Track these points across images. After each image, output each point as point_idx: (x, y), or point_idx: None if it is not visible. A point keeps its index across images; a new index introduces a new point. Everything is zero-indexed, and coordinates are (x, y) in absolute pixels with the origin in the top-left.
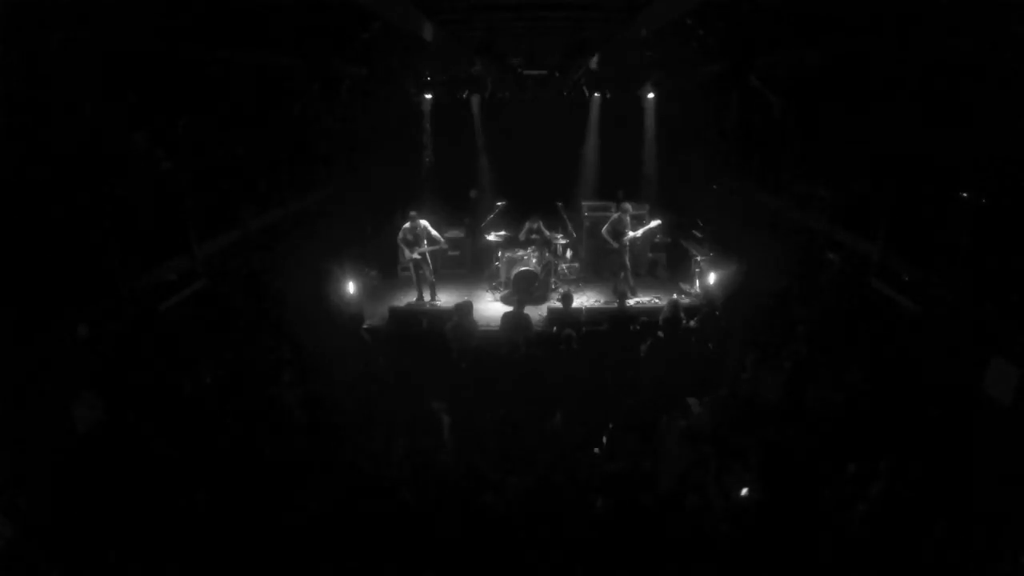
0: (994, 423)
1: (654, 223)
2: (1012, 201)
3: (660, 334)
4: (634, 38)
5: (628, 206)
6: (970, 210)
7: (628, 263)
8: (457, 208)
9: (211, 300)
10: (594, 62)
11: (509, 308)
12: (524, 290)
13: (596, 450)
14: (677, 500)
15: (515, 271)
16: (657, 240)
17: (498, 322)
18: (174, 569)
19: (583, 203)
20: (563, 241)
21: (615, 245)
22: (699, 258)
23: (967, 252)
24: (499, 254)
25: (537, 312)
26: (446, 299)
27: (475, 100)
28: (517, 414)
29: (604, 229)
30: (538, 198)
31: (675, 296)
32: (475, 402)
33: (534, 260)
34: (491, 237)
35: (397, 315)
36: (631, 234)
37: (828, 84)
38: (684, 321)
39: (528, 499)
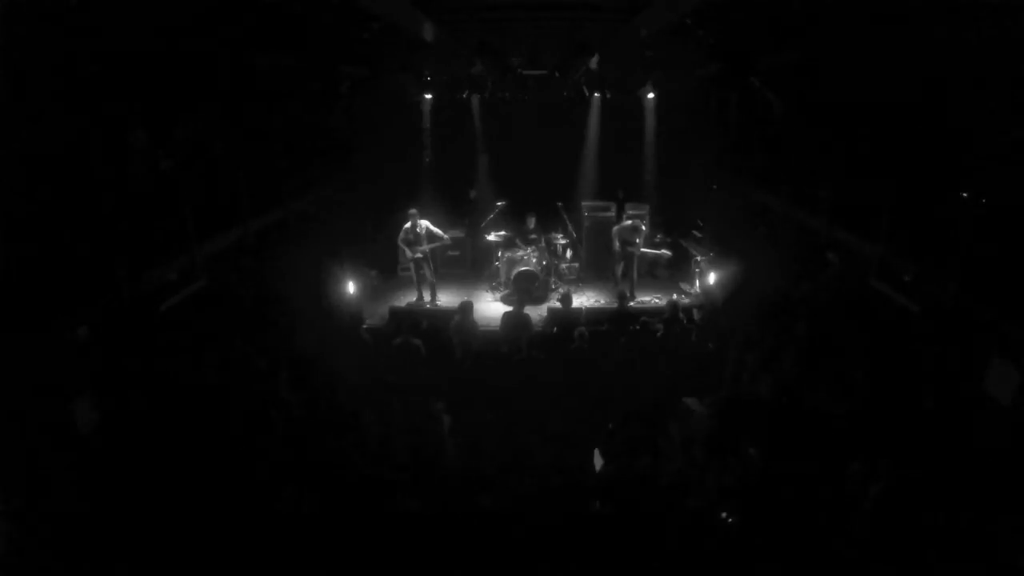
0: (994, 423)
1: (664, 252)
2: (1012, 201)
3: (660, 334)
4: (634, 38)
5: (642, 225)
6: (970, 210)
7: (634, 265)
8: (457, 208)
9: (211, 300)
10: (594, 62)
11: (509, 308)
12: (524, 290)
13: (596, 451)
14: (677, 500)
15: (515, 271)
16: (657, 240)
17: (498, 322)
18: (173, 568)
19: (583, 203)
20: (563, 241)
21: (622, 250)
22: (699, 258)
23: (967, 252)
24: (499, 254)
25: (537, 312)
26: (446, 299)
27: (475, 100)
28: (517, 414)
29: (615, 230)
30: (538, 198)
31: (675, 296)
32: (475, 402)
33: (534, 260)
34: (491, 237)
35: (397, 315)
36: (641, 248)
37: (828, 83)
38: (684, 321)
39: (527, 501)
